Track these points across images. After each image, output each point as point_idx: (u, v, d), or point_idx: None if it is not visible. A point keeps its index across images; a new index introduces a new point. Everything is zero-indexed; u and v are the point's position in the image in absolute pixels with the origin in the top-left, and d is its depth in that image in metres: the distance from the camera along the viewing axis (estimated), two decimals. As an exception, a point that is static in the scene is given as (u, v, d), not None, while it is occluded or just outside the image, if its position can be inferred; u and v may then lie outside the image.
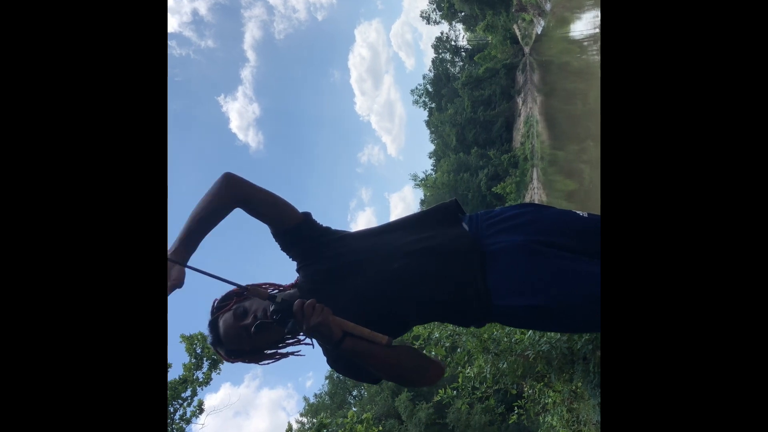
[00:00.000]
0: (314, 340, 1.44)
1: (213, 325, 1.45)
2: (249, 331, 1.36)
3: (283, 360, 1.48)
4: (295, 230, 1.46)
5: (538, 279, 1.27)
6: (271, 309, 1.28)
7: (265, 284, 1.50)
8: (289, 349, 1.48)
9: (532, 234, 1.34)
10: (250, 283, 1.36)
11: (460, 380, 4.58)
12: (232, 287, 1.39)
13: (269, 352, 1.46)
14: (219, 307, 1.46)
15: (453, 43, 45.75)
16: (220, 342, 1.43)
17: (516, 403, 5.28)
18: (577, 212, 1.42)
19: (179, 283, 1.26)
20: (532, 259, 1.29)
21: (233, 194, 1.39)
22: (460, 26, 44.21)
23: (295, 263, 1.51)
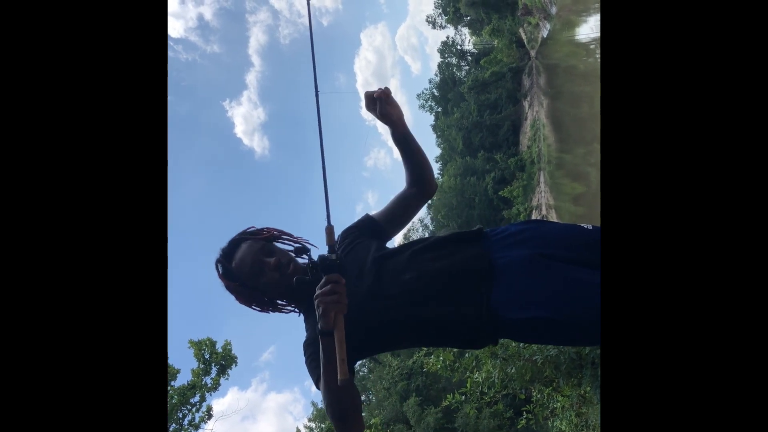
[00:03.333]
0: (299, 312, 1.54)
1: (235, 243, 1.52)
2: (261, 268, 1.44)
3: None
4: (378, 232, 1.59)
5: (543, 291, 1.27)
6: (317, 258, 1.30)
7: None
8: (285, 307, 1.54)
9: (535, 248, 1.34)
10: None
11: (468, 385, 4.56)
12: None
13: (263, 301, 1.51)
14: (251, 233, 1.55)
15: (459, 47, 45.75)
16: (229, 260, 1.50)
17: (524, 408, 5.25)
18: (582, 225, 1.43)
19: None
20: (536, 271, 1.29)
21: (431, 189, 1.60)
22: (465, 30, 44.25)
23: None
